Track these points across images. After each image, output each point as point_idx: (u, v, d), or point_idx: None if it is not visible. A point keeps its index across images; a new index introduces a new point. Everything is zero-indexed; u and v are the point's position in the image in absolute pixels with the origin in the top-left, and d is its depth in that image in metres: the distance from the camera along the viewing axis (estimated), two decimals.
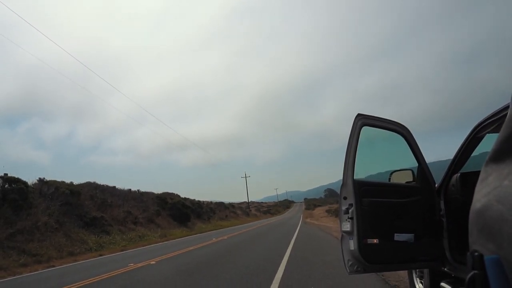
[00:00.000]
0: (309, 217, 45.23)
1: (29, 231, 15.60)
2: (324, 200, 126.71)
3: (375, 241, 3.29)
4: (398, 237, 3.38)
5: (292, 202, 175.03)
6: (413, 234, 3.42)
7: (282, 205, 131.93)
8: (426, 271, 4.03)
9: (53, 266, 12.07)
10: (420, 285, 4.30)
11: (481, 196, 0.68)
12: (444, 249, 3.46)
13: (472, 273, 0.66)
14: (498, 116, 2.91)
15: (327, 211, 51.10)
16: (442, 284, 3.64)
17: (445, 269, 3.56)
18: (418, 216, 3.48)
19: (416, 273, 4.45)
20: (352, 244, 3.27)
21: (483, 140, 3.39)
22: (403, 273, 5.03)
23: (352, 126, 3.40)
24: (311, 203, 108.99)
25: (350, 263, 3.34)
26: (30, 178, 19.35)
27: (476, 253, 0.66)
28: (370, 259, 3.26)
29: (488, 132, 3.25)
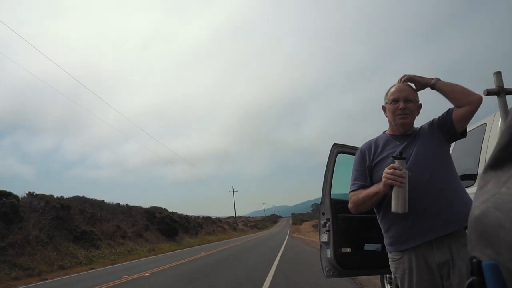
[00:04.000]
0: (296, 232, 45.62)
1: (20, 245, 15.76)
2: (311, 215, 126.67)
3: (348, 250, 3.90)
4: (368, 247, 4.00)
5: (280, 217, 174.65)
6: (380, 245, 4.06)
7: (269, 220, 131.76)
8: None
9: (46, 279, 12.32)
10: None
11: (479, 203, 0.67)
12: None
13: (470, 279, 0.65)
14: None
15: (314, 226, 51.39)
16: None
17: None
18: None
19: (386, 279, 5.10)
20: (329, 253, 3.89)
21: None
22: (378, 281, 5.66)
23: (329, 154, 4.08)
24: (298, 218, 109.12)
25: (327, 268, 3.97)
26: (18, 192, 19.40)
27: (475, 259, 0.66)
28: (344, 265, 3.88)
29: None
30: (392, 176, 1.85)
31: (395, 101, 2.08)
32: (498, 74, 2.10)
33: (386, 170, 1.89)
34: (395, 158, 1.93)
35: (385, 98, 2.19)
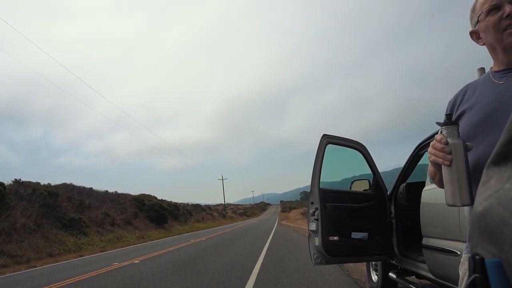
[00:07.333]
0: (284, 219, 46.06)
1: (7, 232, 15.67)
2: (300, 203, 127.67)
3: (335, 238, 4.02)
4: (355, 235, 4.12)
5: (268, 204, 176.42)
6: (367, 233, 4.17)
7: (258, 208, 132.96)
8: (379, 264, 4.82)
9: (35, 267, 12.29)
10: (375, 276, 5.11)
11: (482, 199, 0.66)
12: (393, 245, 4.25)
13: (473, 276, 0.64)
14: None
15: (302, 213, 51.89)
16: (390, 274, 4.45)
17: (393, 261, 4.36)
18: (371, 218, 4.25)
19: (372, 267, 5.26)
20: (317, 241, 4.00)
21: (423, 157, 4.25)
22: (364, 268, 5.83)
23: (319, 145, 4.15)
24: (287, 206, 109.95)
25: (315, 256, 4.08)
26: (4, 180, 19.11)
27: (477, 257, 0.64)
28: (331, 253, 3.99)
29: (427, 151, 4.09)
30: (433, 151, 1.19)
31: (495, 8, 1.24)
32: (481, 70, 2.17)
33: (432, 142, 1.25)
34: (439, 124, 1.27)
35: (471, 18, 1.36)
